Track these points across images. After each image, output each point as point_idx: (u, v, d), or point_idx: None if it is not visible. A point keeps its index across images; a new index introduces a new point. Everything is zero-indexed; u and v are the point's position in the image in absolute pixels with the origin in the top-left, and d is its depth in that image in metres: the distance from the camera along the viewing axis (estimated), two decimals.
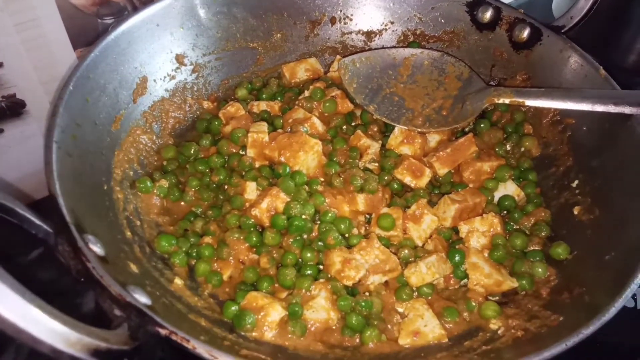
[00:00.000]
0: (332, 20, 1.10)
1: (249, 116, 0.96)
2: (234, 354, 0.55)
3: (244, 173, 0.88)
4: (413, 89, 1.00)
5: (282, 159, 0.88)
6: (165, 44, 0.95)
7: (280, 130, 0.93)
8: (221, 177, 0.88)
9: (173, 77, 0.97)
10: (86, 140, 0.77)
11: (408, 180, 0.91)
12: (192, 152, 0.93)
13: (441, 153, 0.92)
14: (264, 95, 1.03)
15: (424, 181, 0.90)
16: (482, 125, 0.98)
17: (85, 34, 0.93)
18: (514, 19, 1.00)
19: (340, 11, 1.10)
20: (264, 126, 0.92)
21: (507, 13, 1.01)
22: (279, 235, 0.80)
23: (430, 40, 1.09)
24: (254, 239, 0.80)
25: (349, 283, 0.77)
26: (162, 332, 0.53)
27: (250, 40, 1.06)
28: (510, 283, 0.77)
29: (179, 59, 0.98)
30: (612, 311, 0.59)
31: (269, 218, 0.82)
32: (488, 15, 1.02)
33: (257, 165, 0.90)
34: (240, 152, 0.92)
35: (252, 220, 0.82)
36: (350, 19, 1.11)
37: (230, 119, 0.96)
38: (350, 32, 1.12)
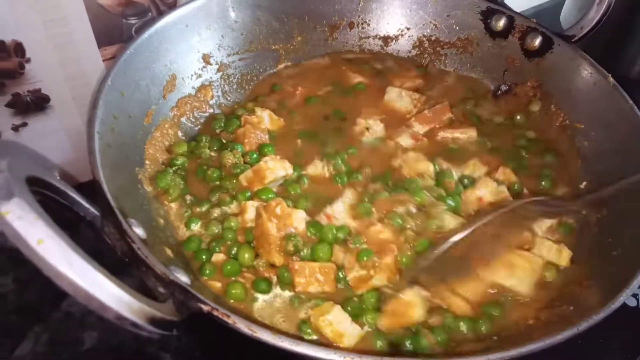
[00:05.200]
0: (351, 25, 1.15)
1: (266, 129, 0.96)
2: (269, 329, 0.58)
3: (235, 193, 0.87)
4: None
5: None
6: (193, 44, 0.99)
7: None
8: (214, 175, 0.89)
9: (200, 76, 1.01)
10: (122, 133, 0.81)
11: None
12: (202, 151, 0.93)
13: (421, 114, 1.00)
14: None
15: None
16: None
17: (110, 33, 0.96)
18: (526, 27, 1.05)
19: (359, 16, 1.14)
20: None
21: (520, 22, 1.05)
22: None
23: (445, 47, 1.14)
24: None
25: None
26: (205, 308, 0.57)
27: (272, 43, 1.10)
28: None
29: (206, 59, 1.02)
30: (621, 299, 0.63)
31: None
32: (501, 23, 1.07)
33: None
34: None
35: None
36: (368, 24, 1.15)
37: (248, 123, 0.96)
38: (368, 37, 1.16)
